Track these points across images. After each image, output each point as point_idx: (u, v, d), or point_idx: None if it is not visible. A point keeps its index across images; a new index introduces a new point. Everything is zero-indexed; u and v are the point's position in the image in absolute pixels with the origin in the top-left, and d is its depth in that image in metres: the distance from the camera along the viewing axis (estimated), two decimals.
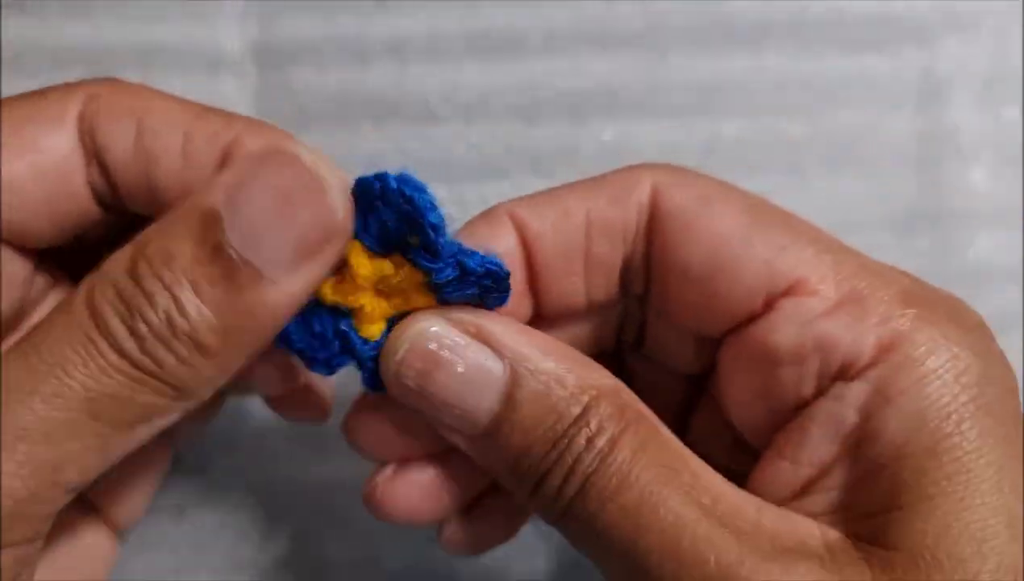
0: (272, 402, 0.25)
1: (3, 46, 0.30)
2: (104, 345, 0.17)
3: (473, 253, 0.19)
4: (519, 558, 0.29)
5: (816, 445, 0.20)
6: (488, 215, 0.21)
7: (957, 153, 0.30)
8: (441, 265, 0.19)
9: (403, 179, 0.19)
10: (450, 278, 0.19)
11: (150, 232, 0.18)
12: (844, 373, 0.19)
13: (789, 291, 0.20)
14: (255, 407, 0.29)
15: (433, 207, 0.19)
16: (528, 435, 0.19)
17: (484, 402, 0.19)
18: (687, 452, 0.19)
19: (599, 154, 0.30)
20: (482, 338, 0.19)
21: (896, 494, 0.18)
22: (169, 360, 0.18)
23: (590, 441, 0.19)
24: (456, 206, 0.29)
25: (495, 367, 0.19)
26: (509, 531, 0.24)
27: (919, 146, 0.30)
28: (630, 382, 0.20)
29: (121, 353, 0.17)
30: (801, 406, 0.20)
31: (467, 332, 0.19)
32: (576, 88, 0.30)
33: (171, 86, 0.29)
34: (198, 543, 0.29)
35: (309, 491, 0.29)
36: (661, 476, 0.18)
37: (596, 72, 0.30)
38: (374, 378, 0.21)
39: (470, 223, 0.22)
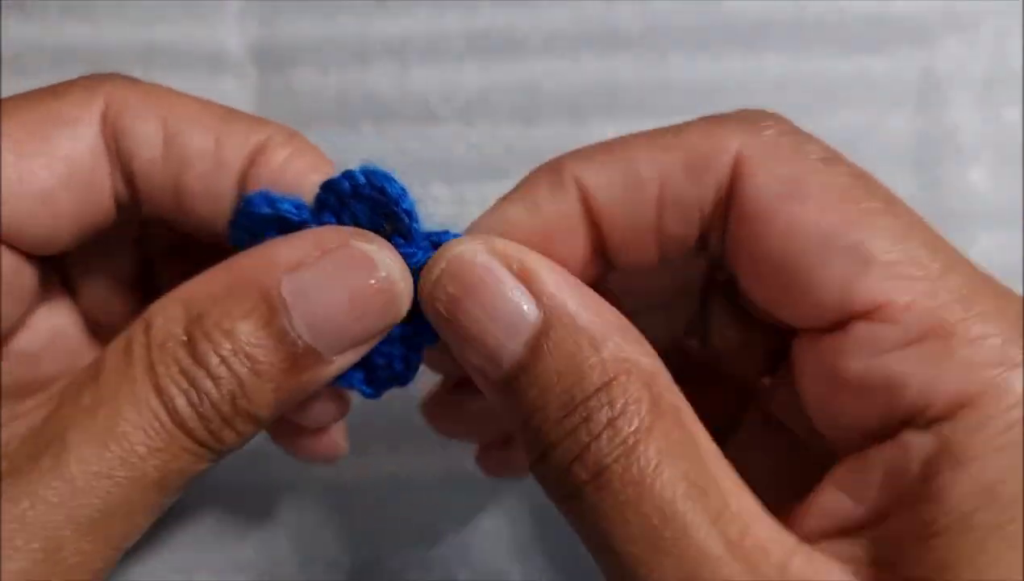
0: (287, 441, 0.24)
1: (3, 46, 0.30)
2: (175, 430, 0.17)
3: (445, 232, 0.19)
4: (519, 560, 0.29)
5: (874, 488, 0.18)
6: (552, 173, 0.19)
7: (957, 153, 0.30)
8: (414, 249, 0.19)
9: (370, 172, 0.19)
10: (423, 261, 0.19)
11: (202, 297, 0.18)
12: (913, 418, 0.17)
13: (867, 314, 0.17)
14: None
15: (404, 193, 0.19)
16: (545, 393, 0.17)
17: (510, 344, 0.18)
18: (722, 466, 0.17)
19: None
20: (523, 276, 0.18)
21: (951, 566, 0.16)
22: (230, 436, 0.18)
23: (611, 423, 0.17)
24: (456, 206, 0.29)
25: (529, 310, 0.18)
26: None
27: (919, 146, 0.30)
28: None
29: (190, 435, 0.18)
30: (867, 436, 0.18)
31: (509, 266, 0.18)
32: (576, 88, 0.30)
33: (172, 86, 0.29)
34: (198, 543, 0.29)
35: (309, 491, 0.29)
36: (689, 495, 0.16)
37: (596, 72, 0.30)
38: (366, 379, 0.21)
39: (530, 182, 0.20)
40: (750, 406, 0.23)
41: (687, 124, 0.19)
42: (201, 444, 0.18)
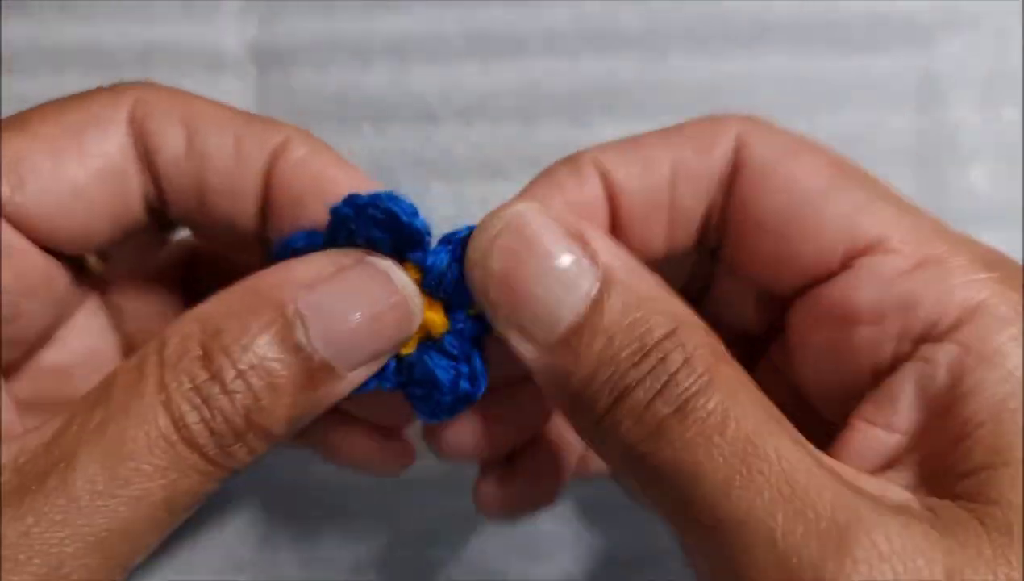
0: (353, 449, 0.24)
1: (2, 46, 0.30)
2: (185, 449, 0.17)
3: (460, 231, 0.20)
4: (518, 561, 0.29)
5: (907, 409, 0.19)
6: (573, 163, 0.21)
7: (957, 153, 0.30)
8: (435, 254, 0.20)
9: (379, 199, 0.19)
10: (444, 265, 0.19)
11: (218, 314, 0.18)
12: (928, 334, 0.19)
13: (869, 249, 0.20)
14: None
15: (415, 214, 0.19)
16: (613, 342, 0.17)
17: (569, 301, 0.18)
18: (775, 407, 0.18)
19: None
20: (579, 238, 0.18)
21: (1001, 450, 0.17)
22: (241, 453, 0.18)
23: (687, 361, 0.17)
24: (456, 206, 0.29)
25: (588, 267, 0.18)
26: (547, 494, 0.24)
27: (919, 146, 0.30)
28: None
29: (199, 452, 0.18)
30: (878, 371, 0.20)
31: (567, 228, 0.18)
32: (576, 88, 0.30)
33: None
34: (197, 543, 0.29)
35: (309, 491, 0.29)
36: (769, 419, 0.17)
37: (596, 72, 0.30)
38: (418, 407, 0.21)
39: (553, 170, 0.21)
40: (760, 362, 0.24)
41: (689, 121, 0.22)
42: (211, 462, 0.18)
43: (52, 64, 0.30)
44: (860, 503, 0.16)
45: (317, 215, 0.20)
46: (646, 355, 0.17)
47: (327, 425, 0.22)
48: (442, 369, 0.20)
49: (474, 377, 0.20)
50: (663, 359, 0.17)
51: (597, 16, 0.30)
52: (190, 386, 0.18)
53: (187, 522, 0.28)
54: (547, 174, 0.21)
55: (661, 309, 0.18)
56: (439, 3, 0.30)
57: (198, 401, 0.18)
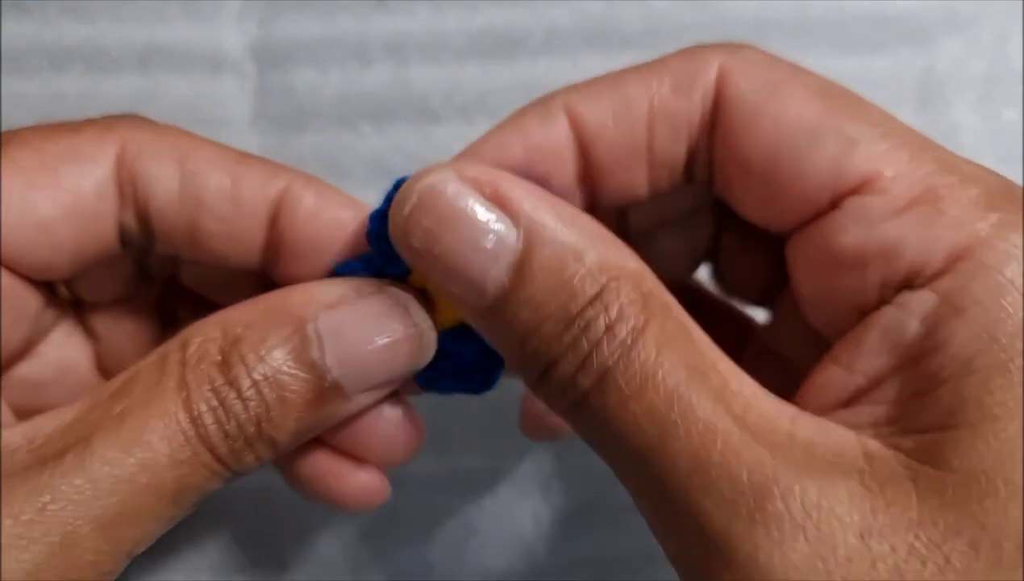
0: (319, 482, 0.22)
1: (2, 46, 0.30)
2: (199, 445, 0.18)
3: None
4: (518, 559, 0.29)
5: (872, 353, 0.18)
6: (543, 105, 0.20)
7: (957, 153, 0.31)
8: None
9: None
10: None
11: (240, 322, 0.19)
12: (911, 281, 0.18)
13: (858, 189, 0.18)
14: None
15: None
16: (538, 312, 0.17)
17: (492, 271, 0.18)
18: (716, 352, 0.18)
19: None
20: (498, 199, 0.18)
21: (956, 412, 0.17)
22: (249, 458, 0.19)
23: (610, 328, 0.17)
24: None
25: (508, 233, 0.18)
26: None
27: None
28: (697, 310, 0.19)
29: (212, 452, 0.18)
30: (864, 314, 0.19)
31: (482, 191, 0.18)
32: None
33: (171, 86, 0.29)
34: (198, 543, 0.29)
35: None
36: (691, 378, 0.17)
37: (596, 71, 0.30)
38: (421, 378, 0.21)
39: (520, 113, 0.20)
40: (748, 345, 0.24)
41: (669, 54, 0.20)
42: (221, 462, 0.18)
43: (51, 64, 0.30)
44: (779, 464, 0.16)
45: (337, 256, 0.21)
46: (568, 326, 0.17)
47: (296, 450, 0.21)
48: (469, 354, 0.20)
49: (488, 375, 0.21)
50: (586, 327, 0.17)
51: (597, 16, 0.30)
52: (209, 388, 0.18)
53: (188, 521, 0.28)
54: (514, 117, 0.20)
55: (589, 265, 0.17)
56: (439, 3, 0.30)
57: (215, 403, 0.18)
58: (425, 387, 0.21)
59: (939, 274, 0.18)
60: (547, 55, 0.30)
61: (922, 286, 0.18)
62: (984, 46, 0.31)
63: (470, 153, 0.20)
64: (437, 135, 0.30)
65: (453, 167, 0.18)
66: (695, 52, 0.20)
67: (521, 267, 0.17)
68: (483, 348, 0.20)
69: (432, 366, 0.20)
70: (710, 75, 0.19)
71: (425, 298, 0.20)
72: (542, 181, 0.19)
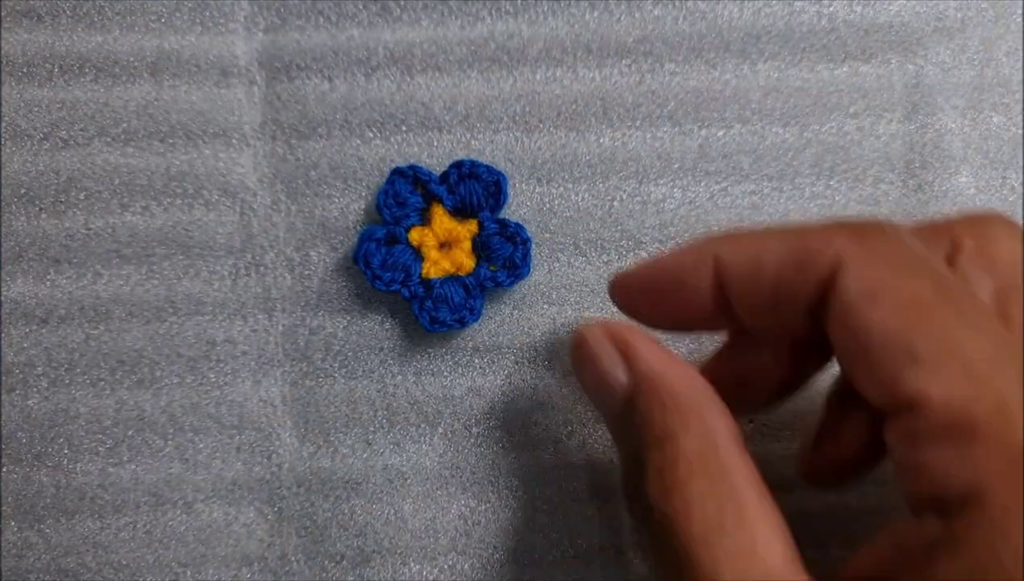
0: None
1: (12, 52, 0.30)
2: None
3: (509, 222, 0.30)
4: (518, 556, 0.30)
5: (885, 564, 0.20)
6: (694, 252, 0.23)
7: (944, 158, 0.31)
8: (494, 226, 0.29)
9: (491, 168, 0.29)
10: (494, 232, 0.29)
11: None
12: (933, 506, 0.19)
13: (909, 407, 0.19)
14: (256, 405, 0.30)
15: (495, 170, 0.30)
16: (633, 437, 0.22)
17: (610, 400, 0.23)
18: (754, 506, 0.20)
19: (598, 159, 0.30)
20: (623, 348, 0.23)
21: None
22: None
23: (661, 470, 0.21)
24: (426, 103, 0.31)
25: (621, 377, 0.23)
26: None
27: (907, 151, 0.31)
28: None
29: None
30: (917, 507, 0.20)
31: (613, 341, 0.23)
32: (574, 96, 0.31)
33: (181, 94, 0.30)
34: (205, 537, 0.29)
35: (314, 487, 0.30)
36: (711, 533, 0.20)
37: (592, 80, 0.31)
38: (422, 317, 0.29)
39: (678, 250, 0.23)
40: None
41: (812, 222, 0.22)
42: None
43: (63, 71, 0.30)
44: None
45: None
46: (646, 454, 0.21)
47: None
48: (458, 296, 0.29)
49: (473, 310, 0.29)
50: (647, 462, 0.21)
51: (593, 26, 0.31)
52: None
53: (195, 516, 0.29)
54: (670, 254, 0.24)
55: (669, 416, 0.21)
56: (442, 13, 0.31)
57: None
58: (430, 326, 0.29)
59: (953, 508, 0.18)
60: (546, 64, 0.31)
61: (938, 515, 0.18)
62: (972, 53, 0.32)
63: (639, 271, 0.24)
64: (439, 142, 0.30)
65: (603, 321, 0.24)
66: (827, 228, 0.22)
67: (630, 400, 0.23)
68: (467, 289, 0.29)
69: (433, 309, 0.29)
70: (827, 259, 0.21)
71: (420, 254, 0.29)
72: (685, 306, 0.23)
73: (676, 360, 0.23)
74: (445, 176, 0.29)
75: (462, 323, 0.29)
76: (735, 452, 0.21)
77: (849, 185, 0.31)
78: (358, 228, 0.30)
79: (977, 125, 0.31)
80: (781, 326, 0.22)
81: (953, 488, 0.18)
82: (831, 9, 0.31)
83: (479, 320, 0.29)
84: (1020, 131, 0.31)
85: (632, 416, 0.22)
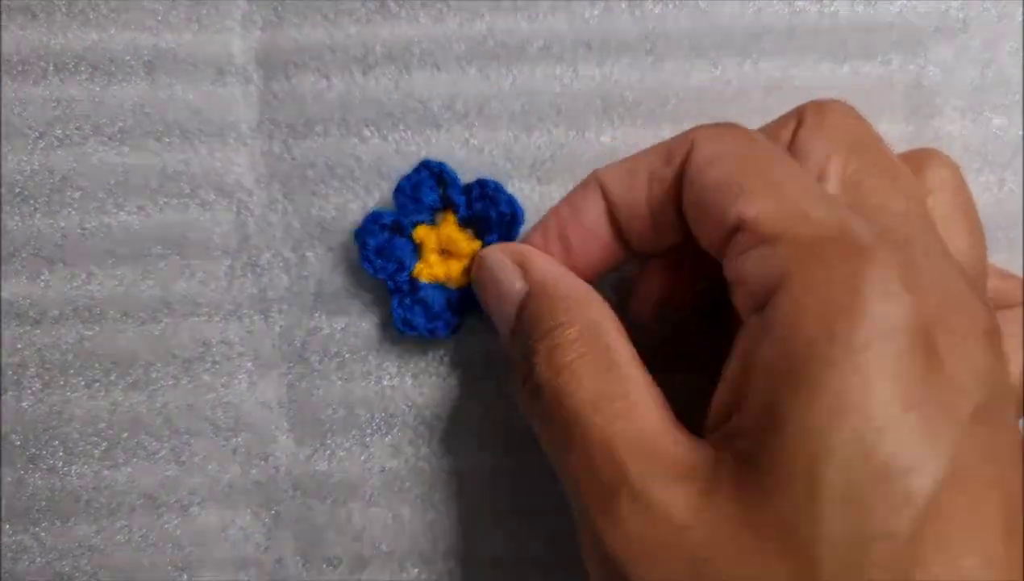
0: None
1: (6, 49, 0.30)
2: None
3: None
4: (517, 558, 0.29)
5: (731, 373, 0.22)
6: (585, 181, 0.26)
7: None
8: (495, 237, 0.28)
9: (512, 201, 0.29)
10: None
11: None
12: (759, 306, 0.21)
13: (737, 229, 0.22)
14: (252, 407, 0.29)
15: (515, 205, 0.29)
16: (521, 338, 0.25)
17: (507, 309, 0.26)
18: (638, 384, 0.23)
19: (598, 158, 0.30)
20: (519, 261, 0.26)
21: (762, 418, 0.20)
22: None
23: (549, 356, 0.23)
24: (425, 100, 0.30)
25: (517, 284, 0.26)
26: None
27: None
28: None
29: None
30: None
31: (511, 257, 0.26)
32: (574, 93, 0.30)
33: (177, 93, 0.30)
34: (202, 541, 0.29)
35: (311, 490, 0.29)
36: (594, 405, 0.22)
37: (594, 77, 0.31)
38: (397, 312, 0.28)
39: (572, 193, 0.26)
40: None
41: (673, 137, 0.26)
42: None
43: (57, 68, 0.30)
44: (635, 472, 0.21)
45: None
46: (531, 351, 0.24)
47: None
48: (438, 305, 0.28)
49: (449, 324, 0.28)
50: (538, 353, 0.24)
51: (594, 23, 0.31)
52: None
53: (191, 519, 0.29)
54: (569, 195, 0.27)
55: (557, 310, 0.24)
56: (440, 9, 0.30)
57: None
58: (401, 327, 0.28)
59: (767, 299, 0.21)
60: (546, 61, 0.31)
61: (758, 312, 0.21)
62: (974, 53, 0.31)
63: (542, 223, 0.27)
64: (437, 140, 0.30)
65: (499, 246, 0.27)
66: (688, 132, 0.25)
67: (522, 308, 0.25)
68: (448, 301, 0.28)
69: (410, 309, 0.28)
70: (685, 147, 0.24)
71: (418, 252, 0.29)
72: (588, 237, 0.26)
73: (567, 271, 0.25)
74: (468, 188, 0.29)
75: (432, 333, 0.28)
76: (618, 337, 0.23)
77: None
78: (355, 228, 0.30)
79: (977, 127, 0.31)
80: (663, 240, 0.25)
81: (765, 282, 0.21)
82: (833, 8, 0.31)
83: (456, 332, 0.29)
84: (1020, 133, 0.31)
85: (526, 317, 0.25)
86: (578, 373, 0.23)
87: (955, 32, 0.32)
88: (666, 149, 0.25)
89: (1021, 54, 0.32)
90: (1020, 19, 0.32)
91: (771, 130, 0.26)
